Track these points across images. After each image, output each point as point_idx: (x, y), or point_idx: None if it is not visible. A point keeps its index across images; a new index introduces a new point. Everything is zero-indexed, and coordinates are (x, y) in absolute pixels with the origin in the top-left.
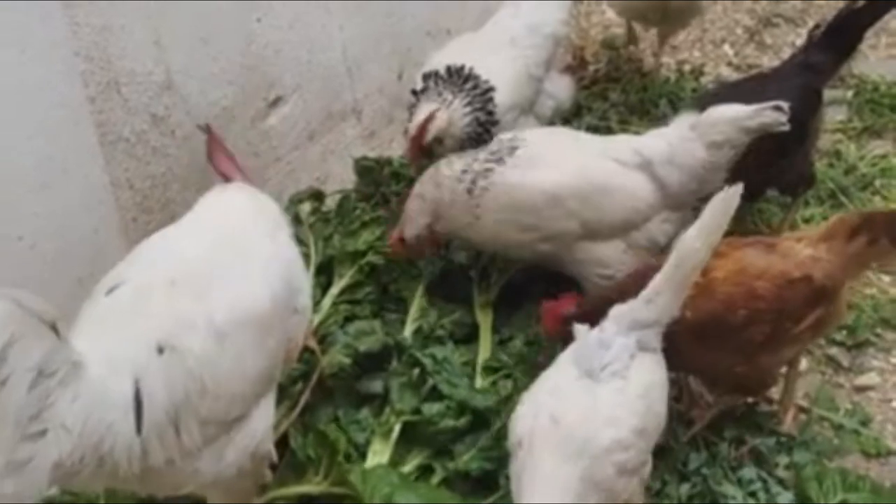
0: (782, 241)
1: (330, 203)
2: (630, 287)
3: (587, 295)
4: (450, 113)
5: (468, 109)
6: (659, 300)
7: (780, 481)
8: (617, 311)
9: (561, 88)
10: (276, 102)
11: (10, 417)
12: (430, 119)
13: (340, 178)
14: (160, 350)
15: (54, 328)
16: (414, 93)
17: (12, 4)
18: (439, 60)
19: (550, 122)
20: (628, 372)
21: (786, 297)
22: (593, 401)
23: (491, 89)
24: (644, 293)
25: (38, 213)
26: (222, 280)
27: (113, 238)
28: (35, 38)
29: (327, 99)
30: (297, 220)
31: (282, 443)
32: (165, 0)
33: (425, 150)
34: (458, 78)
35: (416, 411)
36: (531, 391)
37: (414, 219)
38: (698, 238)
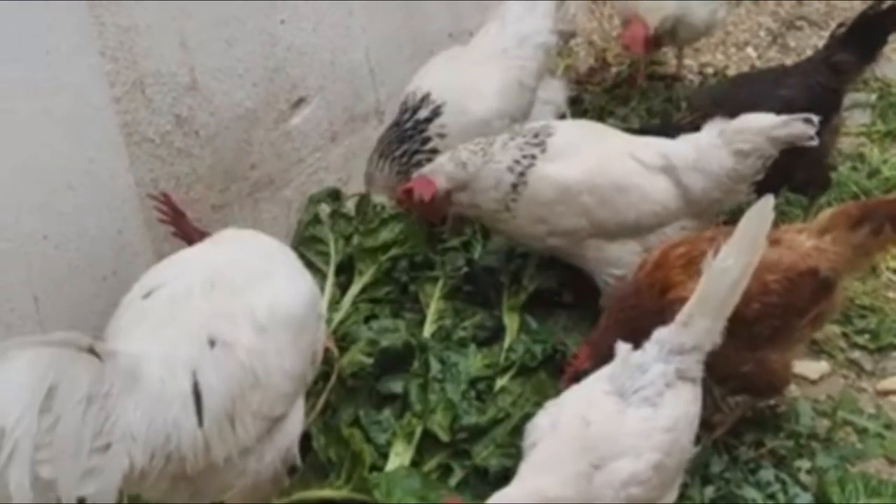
0: (784, 233)
1: (350, 205)
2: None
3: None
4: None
5: (389, 161)
6: (695, 324)
7: (799, 482)
8: (660, 334)
9: (556, 92)
10: (298, 104)
11: (71, 445)
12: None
13: (363, 180)
14: (212, 343)
15: (92, 351)
16: None
17: (38, 5)
18: (418, 84)
19: None
20: (661, 400)
21: (795, 290)
22: (620, 421)
23: (425, 119)
24: (679, 316)
25: (63, 212)
26: (257, 282)
27: (137, 238)
28: (61, 38)
29: (350, 100)
30: (316, 220)
31: (304, 444)
32: (190, 1)
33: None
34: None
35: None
36: (557, 399)
37: (443, 177)
38: (730, 256)
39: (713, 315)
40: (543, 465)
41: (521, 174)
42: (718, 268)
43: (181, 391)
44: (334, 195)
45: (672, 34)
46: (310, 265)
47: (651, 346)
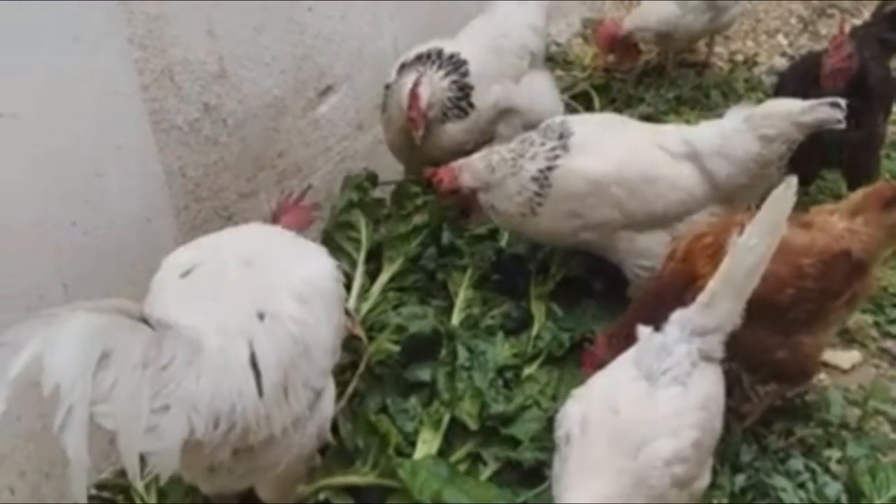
0: (815, 215)
1: (378, 194)
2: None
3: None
4: (429, 79)
5: (442, 73)
6: (718, 305)
7: (829, 471)
8: (680, 316)
9: (541, 84)
10: (326, 92)
11: (130, 402)
12: (417, 84)
13: (390, 168)
14: (261, 316)
15: (144, 321)
16: (387, 87)
17: None
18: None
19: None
20: (689, 379)
21: (829, 272)
22: (653, 403)
23: (463, 61)
24: (701, 297)
25: (92, 199)
26: (290, 259)
27: (165, 225)
28: (90, 26)
29: (377, 88)
30: (350, 205)
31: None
32: None
33: (426, 118)
34: (428, 57)
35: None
36: (585, 386)
37: (470, 175)
38: (753, 236)
39: (735, 295)
40: (588, 465)
41: (546, 178)
42: (743, 247)
43: (240, 361)
44: (371, 178)
45: (665, 40)
46: (341, 250)
47: (672, 328)
